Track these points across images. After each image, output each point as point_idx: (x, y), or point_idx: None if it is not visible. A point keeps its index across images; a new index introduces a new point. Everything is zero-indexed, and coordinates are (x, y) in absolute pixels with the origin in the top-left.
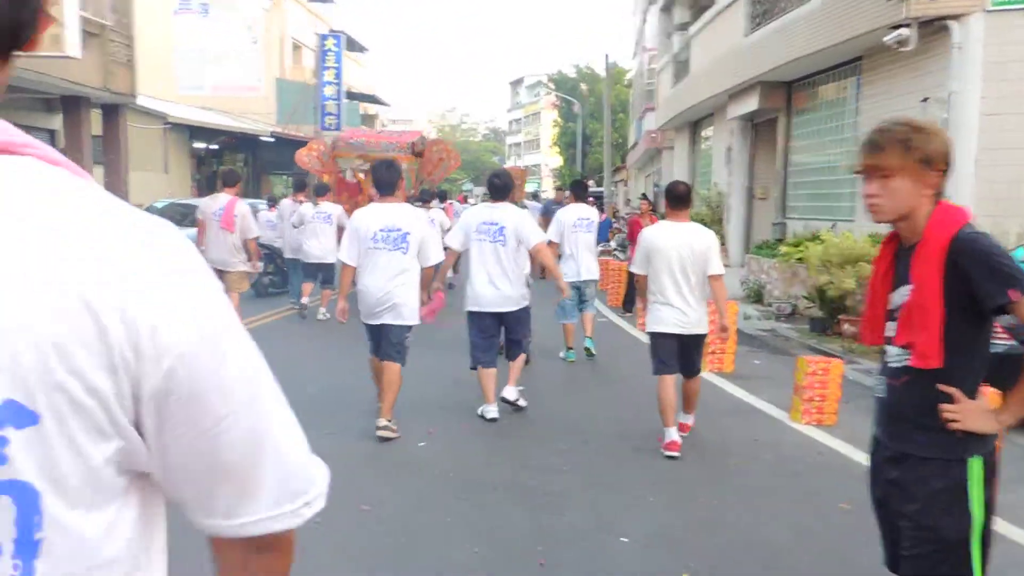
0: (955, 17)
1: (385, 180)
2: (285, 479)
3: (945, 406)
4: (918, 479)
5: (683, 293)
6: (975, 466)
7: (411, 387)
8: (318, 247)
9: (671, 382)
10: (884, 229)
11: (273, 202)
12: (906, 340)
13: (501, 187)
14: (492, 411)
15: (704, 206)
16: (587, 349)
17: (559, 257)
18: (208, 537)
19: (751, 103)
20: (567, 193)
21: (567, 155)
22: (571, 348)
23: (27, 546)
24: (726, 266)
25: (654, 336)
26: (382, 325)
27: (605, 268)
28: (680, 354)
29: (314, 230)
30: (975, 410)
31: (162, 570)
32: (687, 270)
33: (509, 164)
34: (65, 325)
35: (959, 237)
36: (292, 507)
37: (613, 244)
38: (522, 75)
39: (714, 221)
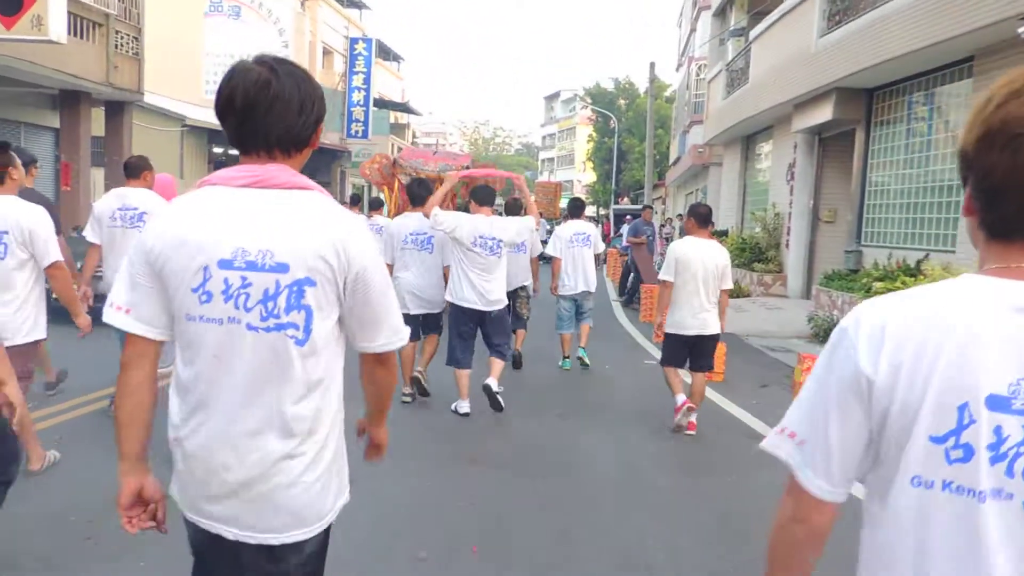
0: None
1: (416, 194)
2: (392, 326)
3: None
4: None
5: (702, 300)
6: None
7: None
8: None
9: (678, 372)
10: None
11: None
12: None
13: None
14: (465, 406)
15: (760, 228)
16: (580, 358)
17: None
18: (359, 353)
19: (823, 113)
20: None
21: (601, 171)
22: (567, 357)
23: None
24: (785, 297)
25: (672, 337)
26: (421, 314)
27: (648, 297)
28: (694, 352)
29: None
30: None
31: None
32: (708, 281)
33: (542, 179)
34: (325, 250)
35: None
36: (392, 339)
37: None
38: (558, 89)
39: (771, 246)
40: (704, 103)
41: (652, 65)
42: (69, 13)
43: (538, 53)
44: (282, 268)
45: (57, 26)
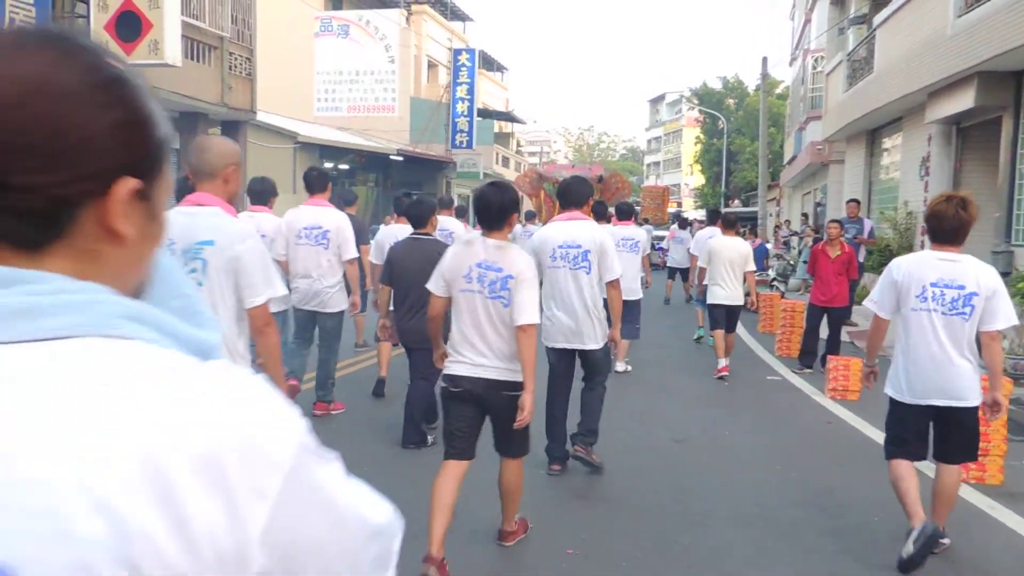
0: None
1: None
2: (614, 268)
3: None
4: None
5: (730, 280)
6: None
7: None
8: None
9: (722, 333)
10: None
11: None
12: None
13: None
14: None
15: (891, 229)
16: (702, 338)
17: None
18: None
19: (963, 101)
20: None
21: (710, 174)
22: (701, 326)
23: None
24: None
25: (712, 306)
26: None
27: (768, 306)
28: (727, 318)
29: (522, 245)
30: None
31: None
32: (735, 266)
33: (648, 183)
34: (592, 238)
35: None
36: (616, 274)
37: (772, 273)
38: (663, 92)
39: (903, 248)
40: (822, 97)
41: (764, 60)
42: (185, 37)
43: (642, 56)
44: (582, 247)
45: (172, 50)
